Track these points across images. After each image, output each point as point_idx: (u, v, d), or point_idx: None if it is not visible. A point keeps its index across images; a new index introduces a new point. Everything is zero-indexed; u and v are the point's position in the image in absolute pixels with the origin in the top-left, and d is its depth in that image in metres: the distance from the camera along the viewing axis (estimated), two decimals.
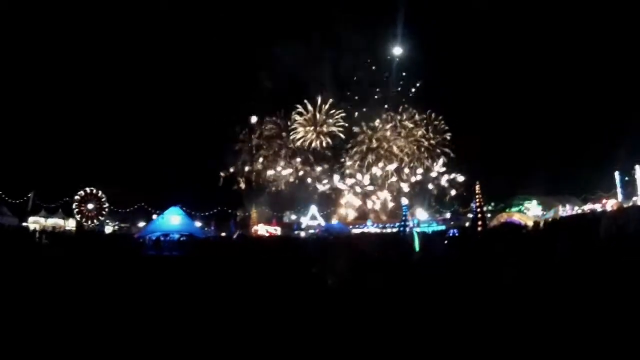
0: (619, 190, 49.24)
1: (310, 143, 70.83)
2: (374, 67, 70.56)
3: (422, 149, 69.57)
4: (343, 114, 70.26)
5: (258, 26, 62.63)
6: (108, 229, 55.25)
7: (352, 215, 68.27)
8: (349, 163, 70.38)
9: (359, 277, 10.44)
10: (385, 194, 69.51)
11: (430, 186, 68.19)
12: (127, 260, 17.31)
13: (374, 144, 70.26)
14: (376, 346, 5.61)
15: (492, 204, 58.04)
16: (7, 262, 13.64)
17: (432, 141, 69.27)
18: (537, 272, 9.89)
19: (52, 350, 5.50)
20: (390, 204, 68.75)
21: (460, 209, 64.06)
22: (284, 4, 63.42)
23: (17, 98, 52.56)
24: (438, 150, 69.04)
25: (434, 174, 68.34)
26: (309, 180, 70.00)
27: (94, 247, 22.23)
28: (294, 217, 66.86)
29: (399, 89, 70.80)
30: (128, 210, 57.95)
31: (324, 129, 70.68)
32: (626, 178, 48.67)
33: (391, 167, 69.52)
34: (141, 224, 49.34)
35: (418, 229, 36.76)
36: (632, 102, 47.20)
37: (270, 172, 70.18)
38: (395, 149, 69.95)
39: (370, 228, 56.26)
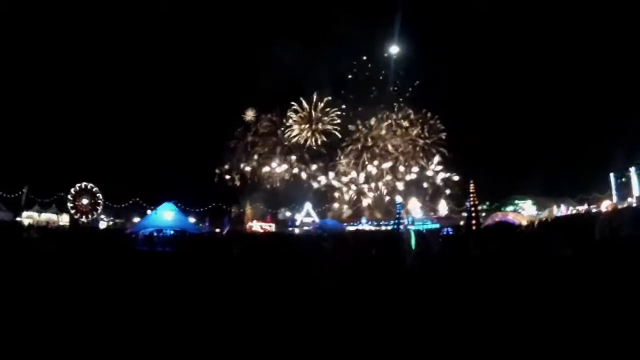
0: (614, 191, 49.49)
1: (306, 141, 70.95)
2: (370, 65, 70.78)
3: (418, 148, 69.84)
4: (339, 112, 70.44)
5: (255, 25, 62.79)
6: (102, 225, 54.92)
7: (346, 212, 68.39)
8: (344, 161, 70.47)
9: (355, 276, 10.36)
10: (379, 192, 69.63)
11: (425, 185, 68.39)
12: (120, 256, 17.13)
13: (370, 142, 70.44)
14: (373, 345, 5.53)
15: (487, 203, 58.14)
16: None
17: (427, 140, 69.50)
18: (532, 271, 9.87)
19: (41, 345, 5.39)
20: (385, 202, 68.89)
21: (454, 208, 64.26)
22: (281, 3, 63.36)
23: (12, 93, 52.17)
24: (433, 150, 69.33)
25: (429, 173, 68.50)
26: (304, 176, 70.04)
27: (86, 242, 22.00)
28: (288, 214, 66.87)
29: (395, 88, 71.01)
30: (123, 205, 57.64)
31: (319, 126, 70.82)
32: (622, 179, 48.86)
33: (386, 165, 69.64)
34: (136, 220, 48.92)
35: (413, 227, 36.80)
36: (627, 104, 47.40)
37: (265, 169, 70.20)
38: (390, 147, 70.16)
39: (365, 225, 56.38)
